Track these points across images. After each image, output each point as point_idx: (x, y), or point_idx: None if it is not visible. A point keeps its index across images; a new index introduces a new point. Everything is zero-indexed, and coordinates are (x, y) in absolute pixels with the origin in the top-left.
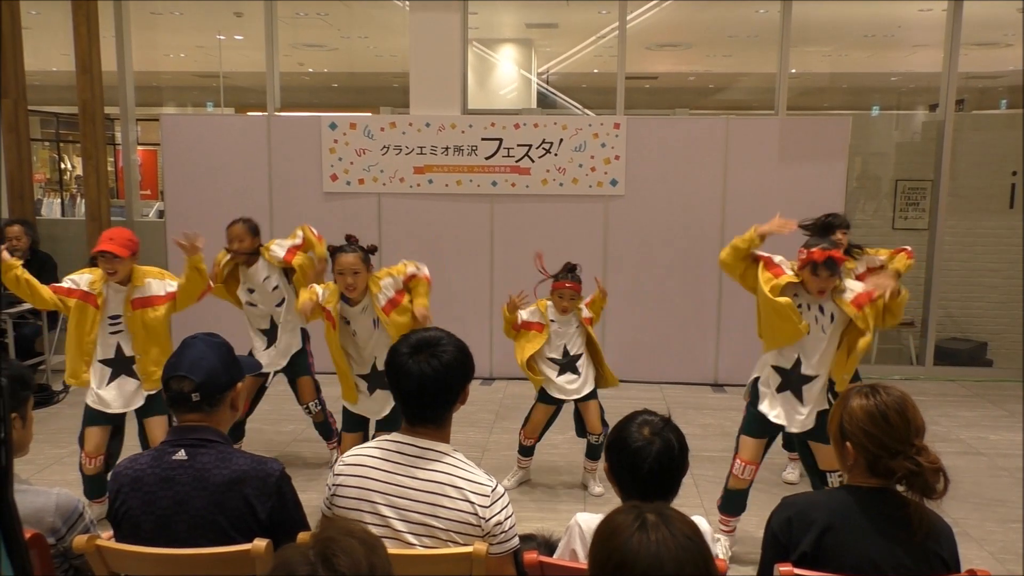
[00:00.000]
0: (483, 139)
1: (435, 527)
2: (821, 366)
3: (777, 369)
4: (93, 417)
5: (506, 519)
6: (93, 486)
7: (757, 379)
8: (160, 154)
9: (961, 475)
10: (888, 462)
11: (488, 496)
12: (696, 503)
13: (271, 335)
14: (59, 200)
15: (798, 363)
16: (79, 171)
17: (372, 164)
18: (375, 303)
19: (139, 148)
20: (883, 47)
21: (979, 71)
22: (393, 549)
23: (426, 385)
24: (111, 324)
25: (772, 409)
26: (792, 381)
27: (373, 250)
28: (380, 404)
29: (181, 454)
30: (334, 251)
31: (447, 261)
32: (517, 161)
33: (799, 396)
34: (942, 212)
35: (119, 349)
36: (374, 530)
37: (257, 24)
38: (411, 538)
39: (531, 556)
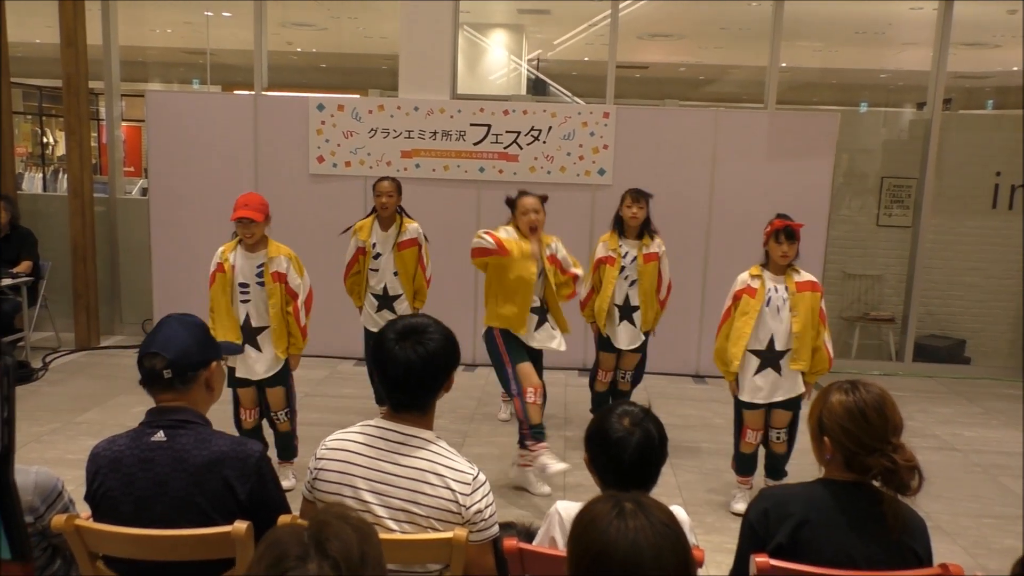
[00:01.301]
0: (472, 124)
1: (416, 513)
2: (791, 340)
3: (754, 352)
4: (238, 382)
5: (487, 507)
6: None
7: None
8: (145, 131)
9: (936, 470)
10: (864, 459)
11: (469, 484)
12: (675, 493)
13: (383, 300)
14: (41, 175)
15: (772, 341)
16: (62, 146)
17: (359, 147)
18: (543, 252)
19: (123, 124)
20: (873, 44)
21: (967, 71)
22: None
23: (412, 372)
24: (241, 292)
25: (755, 395)
26: (770, 359)
27: (544, 198)
28: (546, 334)
29: (160, 435)
30: (517, 196)
31: (433, 246)
32: (505, 148)
33: (779, 370)
34: (926, 210)
35: (247, 319)
36: None
37: (246, 1)
38: (392, 524)
39: (511, 543)
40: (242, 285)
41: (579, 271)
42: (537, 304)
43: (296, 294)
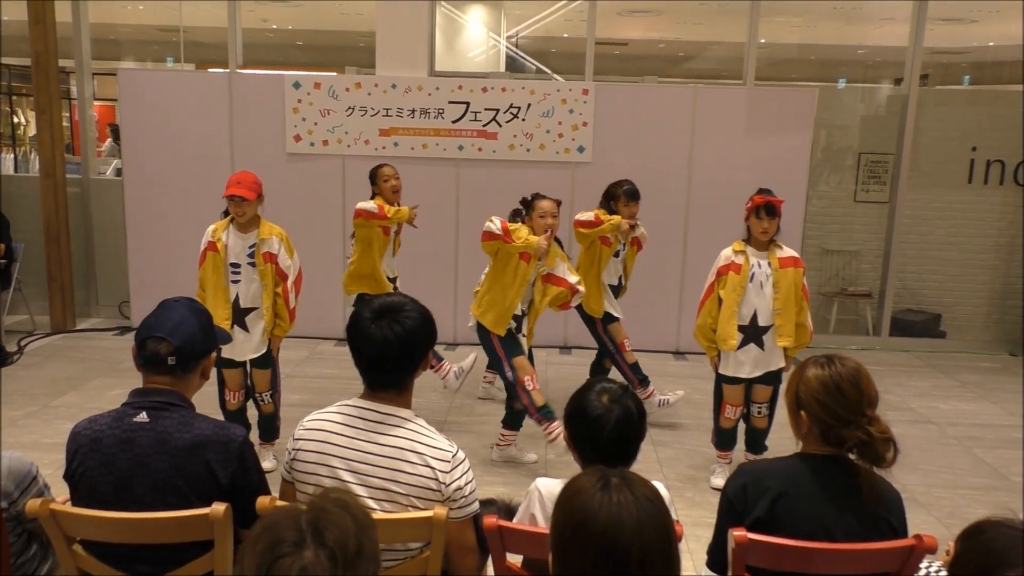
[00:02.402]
0: (450, 102)
1: (395, 492)
2: (774, 316)
3: (738, 328)
4: (224, 362)
5: (466, 484)
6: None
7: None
8: (118, 110)
9: (911, 443)
10: (840, 431)
11: (449, 462)
12: (655, 468)
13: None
14: (12, 155)
15: (755, 317)
16: (33, 126)
17: (337, 125)
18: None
19: (96, 103)
20: (851, 20)
21: (944, 47)
22: None
23: (388, 351)
24: (232, 271)
25: (739, 369)
26: (752, 334)
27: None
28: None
29: (142, 416)
30: (533, 199)
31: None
32: (484, 125)
33: (761, 345)
34: (903, 186)
35: (236, 299)
36: None
37: None
38: (371, 503)
39: (490, 521)
40: (233, 265)
41: (581, 287)
42: (519, 313)
43: (286, 275)
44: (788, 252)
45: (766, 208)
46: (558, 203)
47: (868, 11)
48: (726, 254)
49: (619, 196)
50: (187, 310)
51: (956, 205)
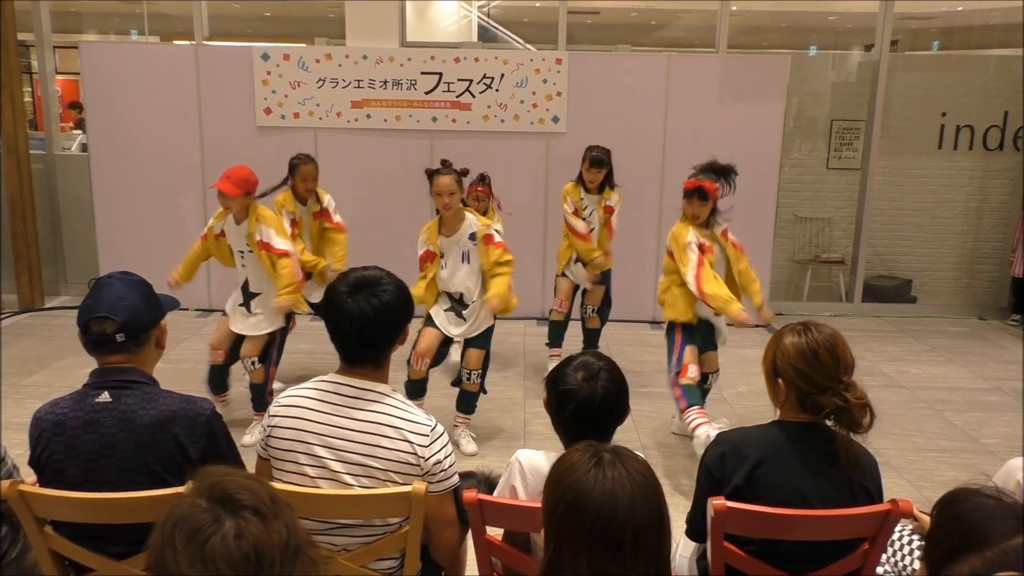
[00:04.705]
0: (423, 73)
1: (373, 467)
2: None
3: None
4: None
5: (445, 458)
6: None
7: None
8: (80, 84)
9: (883, 408)
10: (817, 398)
11: (427, 436)
12: (634, 438)
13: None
14: None
15: None
16: None
17: (308, 97)
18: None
19: (58, 78)
20: None
21: (913, 12)
22: (331, 490)
23: (366, 325)
24: (239, 256)
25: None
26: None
27: (465, 172)
28: (456, 325)
29: (104, 396)
30: (431, 173)
31: (386, 198)
32: (458, 96)
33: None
34: (874, 152)
35: (246, 282)
36: (310, 471)
37: None
38: (349, 479)
39: (470, 495)
40: (239, 252)
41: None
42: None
43: (286, 251)
44: (722, 225)
45: (698, 193)
46: (461, 174)
47: None
48: (691, 237)
49: (584, 159)
50: (123, 284)
51: (926, 171)
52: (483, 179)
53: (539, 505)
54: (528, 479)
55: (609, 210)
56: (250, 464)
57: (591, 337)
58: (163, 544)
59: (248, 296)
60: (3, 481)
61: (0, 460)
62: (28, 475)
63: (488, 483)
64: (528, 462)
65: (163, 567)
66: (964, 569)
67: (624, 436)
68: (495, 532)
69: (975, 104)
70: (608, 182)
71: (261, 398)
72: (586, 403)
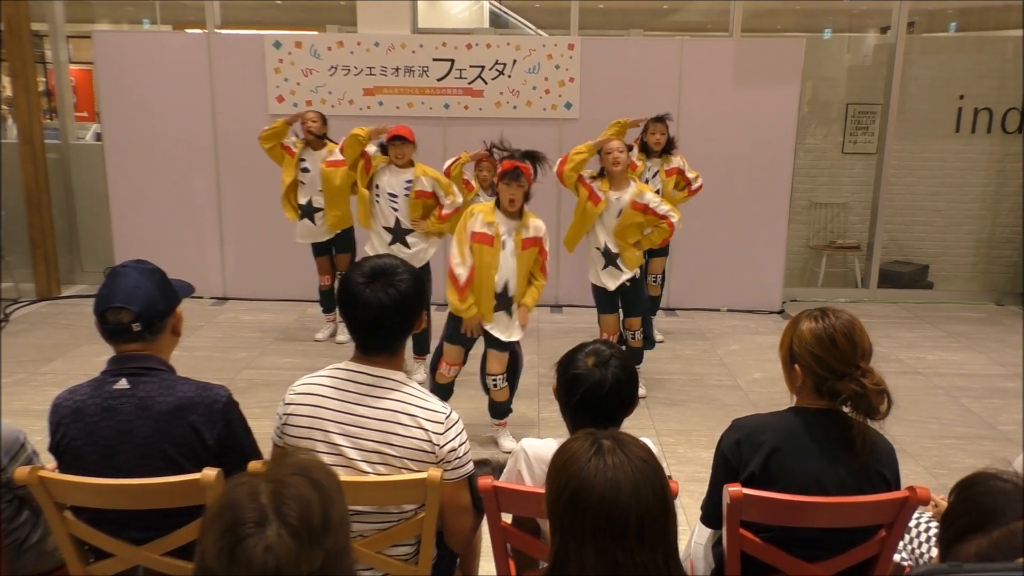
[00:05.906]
0: (434, 60)
1: (389, 455)
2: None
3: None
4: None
5: (460, 445)
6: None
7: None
8: (94, 74)
9: (899, 394)
10: (834, 384)
11: (442, 423)
12: (648, 425)
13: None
14: None
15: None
16: (8, 91)
17: (320, 85)
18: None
19: (73, 67)
20: None
21: None
22: (347, 477)
23: (384, 315)
24: (392, 199)
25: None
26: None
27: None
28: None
29: (123, 383)
30: (504, 174)
31: None
32: (470, 83)
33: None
34: (890, 136)
35: (397, 222)
36: (326, 459)
37: None
38: (365, 466)
39: (485, 481)
40: (392, 195)
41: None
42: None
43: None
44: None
45: (512, 174)
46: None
47: None
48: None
49: (646, 128)
50: (137, 273)
51: (943, 155)
52: (492, 152)
53: None
54: (534, 468)
55: (673, 172)
56: (264, 446)
57: (654, 304)
58: (215, 516)
59: (403, 232)
60: (24, 467)
61: (21, 446)
62: (48, 461)
63: (502, 471)
64: (533, 451)
65: (202, 532)
66: (971, 548)
67: (637, 423)
68: (506, 517)
69: (993, 86)
70: (669, 147)
71: (423, 341)
72: (595, 389)
